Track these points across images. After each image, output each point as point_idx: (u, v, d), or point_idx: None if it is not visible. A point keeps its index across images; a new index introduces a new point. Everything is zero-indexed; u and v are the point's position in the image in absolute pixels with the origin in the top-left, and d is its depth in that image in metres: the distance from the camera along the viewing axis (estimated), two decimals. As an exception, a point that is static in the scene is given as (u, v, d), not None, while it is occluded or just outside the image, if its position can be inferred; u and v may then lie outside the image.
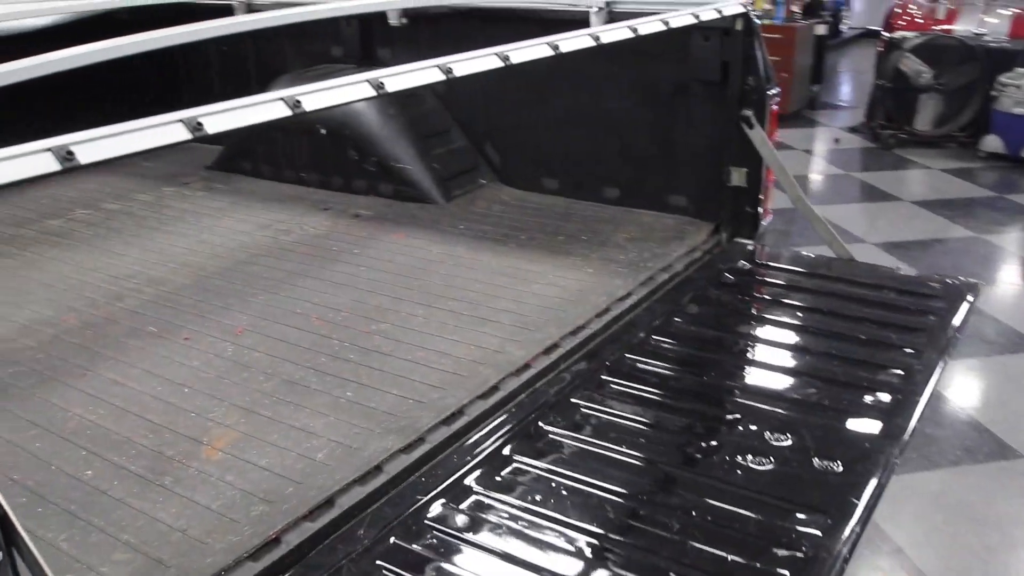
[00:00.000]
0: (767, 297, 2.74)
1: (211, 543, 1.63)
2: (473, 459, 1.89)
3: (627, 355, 2.32)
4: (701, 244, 3.04)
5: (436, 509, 1.74)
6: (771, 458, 1.86)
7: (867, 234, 5.78)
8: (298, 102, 1.51)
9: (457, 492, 1.78)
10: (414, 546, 1.63)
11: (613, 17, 3.09)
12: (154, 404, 2.11)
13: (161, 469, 1.85)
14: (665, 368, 2.26)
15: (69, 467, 1.86)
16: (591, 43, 2.37)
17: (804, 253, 3.09)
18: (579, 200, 3.47)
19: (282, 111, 1.53)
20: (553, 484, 1.80)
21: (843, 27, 12.83)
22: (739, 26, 2.88)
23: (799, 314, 2.57)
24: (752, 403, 2.09)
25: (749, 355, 2.36)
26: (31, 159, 1.17)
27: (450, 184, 3.56)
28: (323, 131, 3.67)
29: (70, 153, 1.21)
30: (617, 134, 3.35)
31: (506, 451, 1.91)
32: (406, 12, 3.64)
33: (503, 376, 2.19)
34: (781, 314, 2.57)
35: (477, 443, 1.95)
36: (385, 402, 2.09)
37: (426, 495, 1.78)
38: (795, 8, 9.03)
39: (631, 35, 2.52)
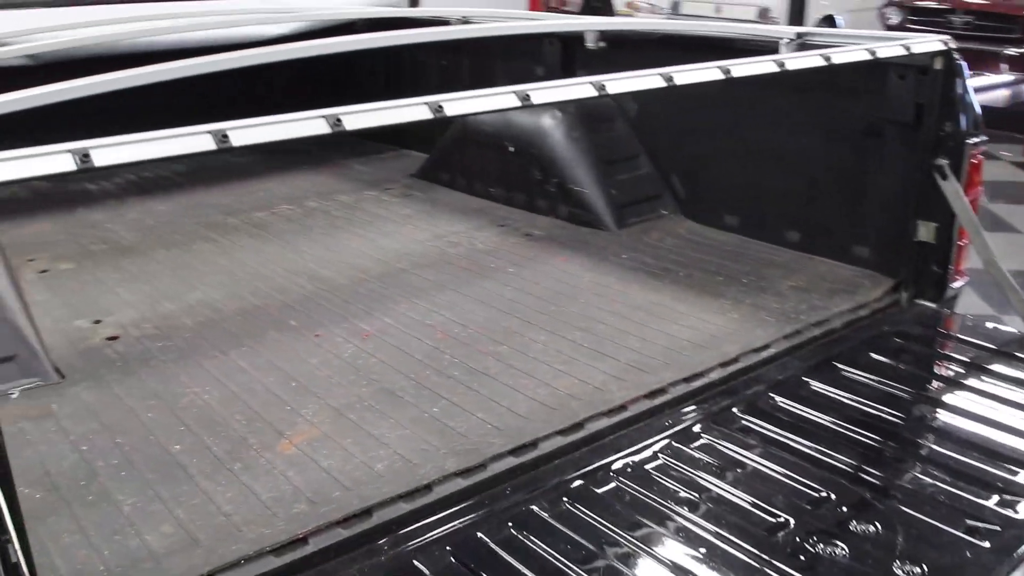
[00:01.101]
0: (933, 371, 2.43)
1: (245, 531, 1.70)
2: (529, 495, 1.83)
3: (734, 409, 2.14)
4: (873, 301, 2.75)
5: (474, 536, 1.70)
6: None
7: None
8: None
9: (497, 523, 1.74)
10: (426, 569, 1.61)
11: (805, 49, 2.88)
12: (261, 393, 2.23)
13: (238, 454, 1.96)
14: (773, 432, 2.06)
15: (164, 439, 2.02)
16: (773, 70, 2.26)
17: (997, 326, 2.70)
18: (757, 240, 3.26)
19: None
20: (602, 536, 1.70)
21: None
22: (938, 65, 2.58)
23: (970, 397, 2.23)
24: (866, 503, 1.85)
25: (878, 437, 2.08)
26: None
27: (626, 212, 3.49)
28: (511, 149, 3.73)
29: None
30: (803, 173, 3.12)
31: (547, 505, 1.81)
32: (604, 35, 3.62)
33: (592, 414, 2.10)
34: (945, 395, 2.26)
35: (536, 479, 1.89)
36: (465, 423, 2.08)
37: (470, 519, 1.75)
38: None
39: (822, 63, 2.35)
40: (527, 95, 1.94)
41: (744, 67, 2.23)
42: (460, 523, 1.75)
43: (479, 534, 1.71)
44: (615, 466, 1.92)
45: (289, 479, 1.87)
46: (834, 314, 2.64)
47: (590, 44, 3.64)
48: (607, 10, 14.67)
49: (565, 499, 1.82)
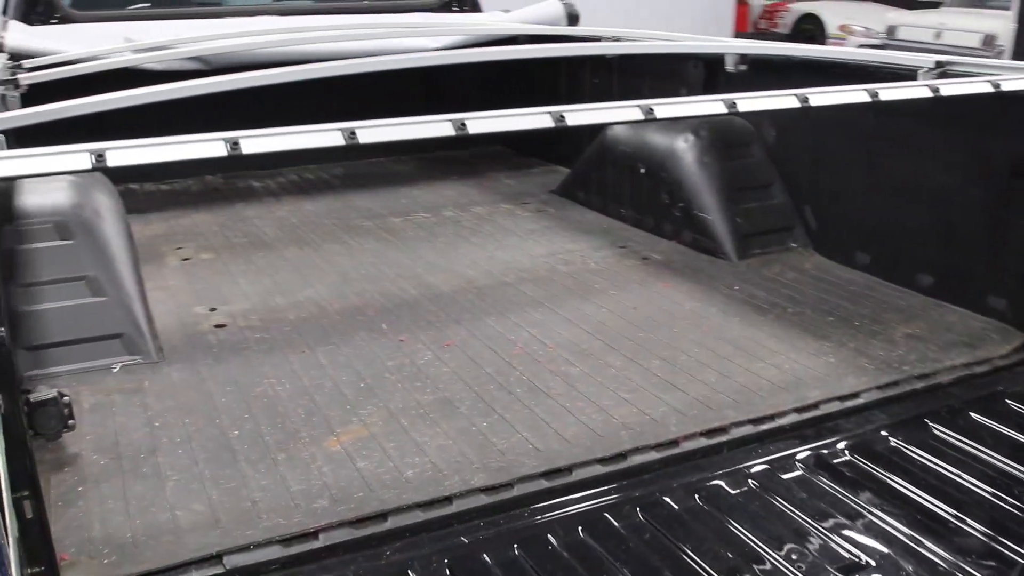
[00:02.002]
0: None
1: (264, 519, 1.78)
2: (547, 519, 1.80)
3: (798, 459, 2.00)
4: (997, 358, 2.48)
5: (478, 555, 1.70)
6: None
7: None
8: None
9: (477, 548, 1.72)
10: None
11: (946, 78, 2.66)
12: (329, 390, 2.32)
13: (285, 446, 2.05)
14: (833, 489, 1.90)
15: (227, 424, 2.15)
16: (916, 95, 2.20)
17: None
18: (887, 282, 3.02)
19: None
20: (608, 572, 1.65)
21: None
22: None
23: None
24: None
25: (950, 510, 1.87)
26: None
27: (751, 242, 3.34)
28: (642, 170, 3.66)
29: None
30: (942, 213, 2.86)
31: (561, 532, 1.77)
32: (744, 58, 3.49)
33: (637, 446, 2.03)
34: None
35: (562, 505, 1.85)
36: (507, 441, 2.07)
37: (479, 536, 1.74)
38: None
39: (989, 90, 2.20)
40: (651, 109, 1.98)
41: (891, 92, 2.19)
42: (468, 539, 1.74)
43: (484, 554, 1.70)
44: (646, 502, 1.85)
45: (323, 474, 1.93)
46: (944, 368, 2.41)
47: (730, 67, 3.52)
48: (818, 34, 14.12)
49: (581, 528, 1.77)
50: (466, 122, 1.78)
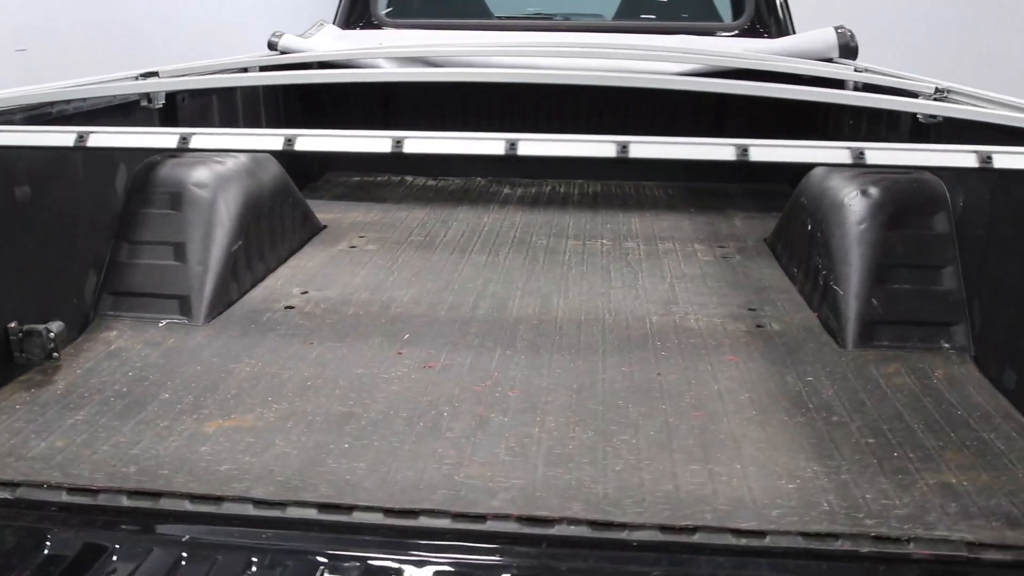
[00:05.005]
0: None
1: (123, 471, 1.97)
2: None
3: None
4: None
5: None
6: None
7: None
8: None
9: None
10: None
11: None
12: (325, 391, 2.38)
13: (187, 419, 2.22)
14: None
15: (175, 387, 2.40)
16: None
17: None
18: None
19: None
20: None
21: None
22: None
23: None
24: None
25: None
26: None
27: (879, 331, 2.70)
28: (809, 226, 3.15)
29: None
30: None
31: None
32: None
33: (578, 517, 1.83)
34: None
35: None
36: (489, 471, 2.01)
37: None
38: None
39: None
40: (861, 152, 1.96)
41: None
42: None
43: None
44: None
45: (184, 447, 2.07)
46: (936, 539, 1.77)
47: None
48: None
49: None
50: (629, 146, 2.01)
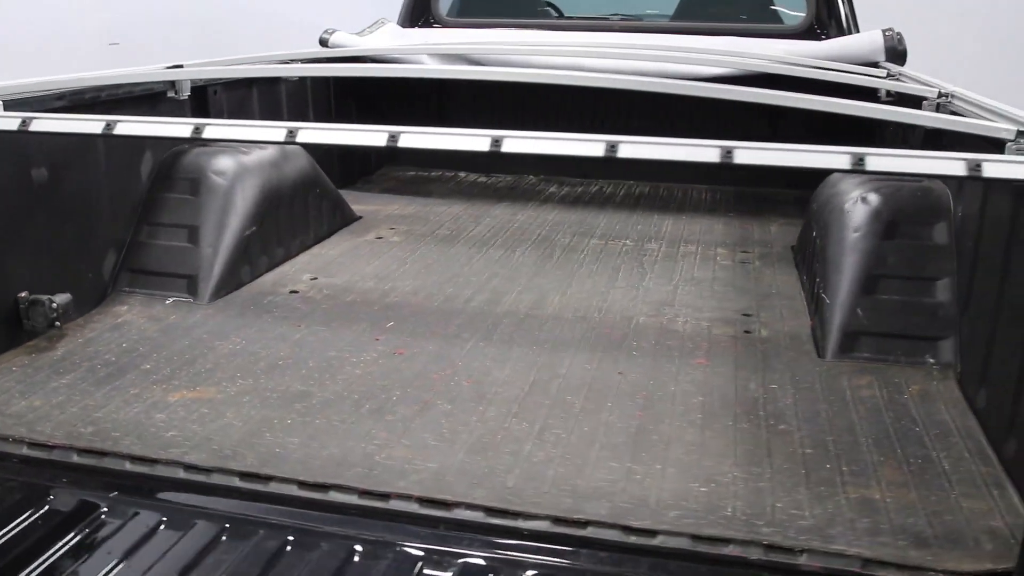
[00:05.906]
0: None
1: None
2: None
3: None
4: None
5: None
6: None
7: None
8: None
9: None
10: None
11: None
12: (290, 368, 2.51)
13: (153, 390, 2.38)
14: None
15: (156, 360, 2.57)
16: None
17: None
18: (985, 436, 2.17)
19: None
20: None
21: None
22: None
23: None
24: None
25: None
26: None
27: (860, 342, 2.62)
28: (814, 233, 3.07)
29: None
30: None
31: None
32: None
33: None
34: None
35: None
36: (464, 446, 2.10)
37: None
38: None
39: None
40: (861, 158, 1.91)
41: None
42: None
43: None
44: None
45: (143, 415, 2.23)
46: (831, 553, 1.73)
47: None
48: None
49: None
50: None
